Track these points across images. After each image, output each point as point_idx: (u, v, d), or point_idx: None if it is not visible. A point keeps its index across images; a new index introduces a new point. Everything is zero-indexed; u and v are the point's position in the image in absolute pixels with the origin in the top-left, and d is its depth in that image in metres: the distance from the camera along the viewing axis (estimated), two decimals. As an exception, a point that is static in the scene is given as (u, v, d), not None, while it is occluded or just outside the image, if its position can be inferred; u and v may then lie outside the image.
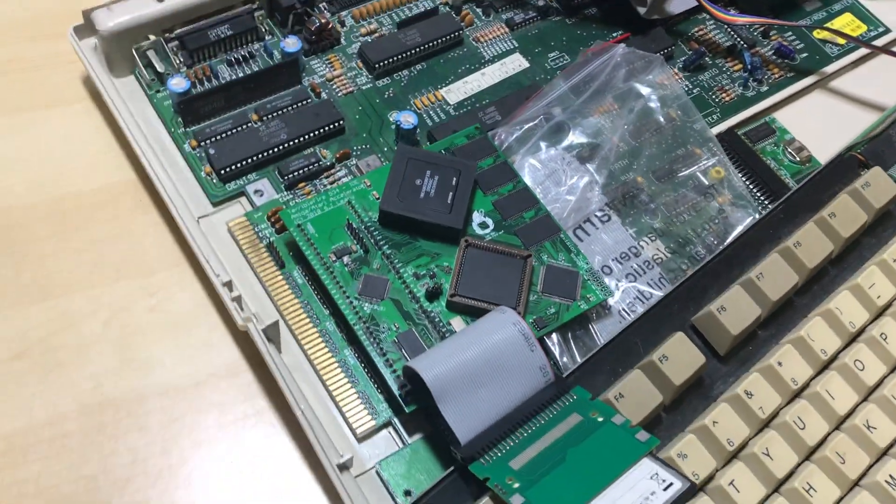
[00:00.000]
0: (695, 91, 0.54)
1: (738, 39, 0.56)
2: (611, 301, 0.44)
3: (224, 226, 0.45)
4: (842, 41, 0.57)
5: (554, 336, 0.42)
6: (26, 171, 0.46)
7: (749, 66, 0.54)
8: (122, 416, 0.40)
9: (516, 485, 0.34)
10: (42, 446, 0.39)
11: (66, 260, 0.44)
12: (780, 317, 0.43)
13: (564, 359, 0.42)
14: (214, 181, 0.46)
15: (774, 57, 0.56)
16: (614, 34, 0.55)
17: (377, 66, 0.50)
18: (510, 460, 0.35)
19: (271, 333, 0.40)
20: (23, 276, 0.43)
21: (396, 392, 0.39)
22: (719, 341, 0.41)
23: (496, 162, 0.46)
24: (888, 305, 0.43)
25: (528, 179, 0.47)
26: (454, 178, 0.44)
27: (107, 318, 0.43)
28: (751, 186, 0.50)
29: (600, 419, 0.36)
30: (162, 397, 0.41)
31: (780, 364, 0.40)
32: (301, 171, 0.47)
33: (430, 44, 0.52)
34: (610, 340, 0.41)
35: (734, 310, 0.41)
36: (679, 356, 0.39)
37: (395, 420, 0.40)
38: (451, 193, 0.43)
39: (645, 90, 0.50)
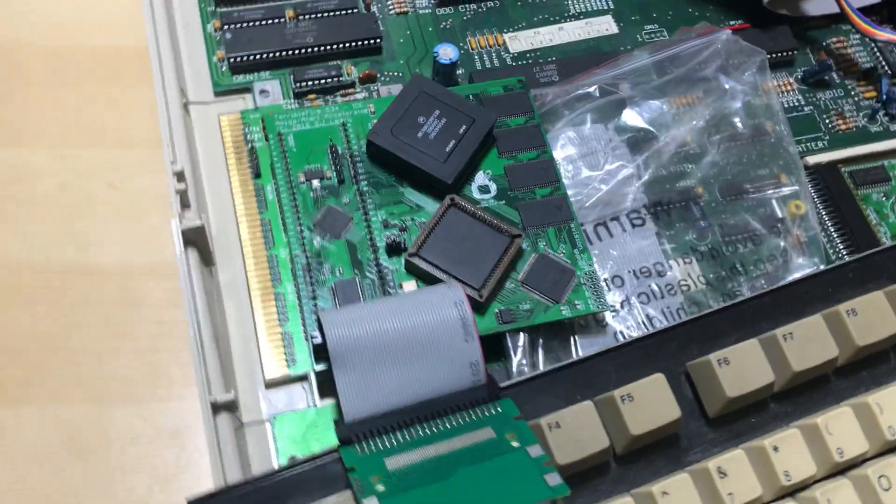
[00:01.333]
0: (807, 109, 0.45)
1: (883, 62, 0.46)
2: (609, 318, 0.37)
3: (216, 118, 0.41)
4: None
5: (521, 336, 0.35)
6: (42, 7, 0.44)
7: (885, 96, 0.44)
8: (38, 285, 0.37)
9: (380, 487, 0.28)
10: (-52, 290, 0.37)
11: (47, 112, 0.41)
12: (806, 394, 0.34)
13: (524, 363, 0.35)
14: (223, 69, 0.42)
15: (922, 93, 0.45)
16: (732, 22, 0.47)
17: (443, -10, 0.44)
18: (388, 457, 0.29)
19: (197, 240, 0.35)
20: (-2, 114, 0.41)
21: (308, 342, 0.34)
22: (711, 400, 0.33)
23: (527, 123, 0.39)
24: (951, 420, 0.34)
25: (558, 152, 0.40)
26: (463, 126, 0.37)
27: (64, 181, 0.40)
28: (833, 233, 0.41)
29: (515, 443, 0.30)
30: (84, 278, 0.37)
31: (775, 449, 0.32)
32: (317, 83, 0.42)
33: (512, -19, 0.45)
34: (579, 361, 0.33)
35: (740, 367, 0.32)
36: (648, 401, 0.31)
37: (313, 376, 0.35)
38: (452, 141, 0.37)
39: (734, 89, 0.41)
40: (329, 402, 0.35)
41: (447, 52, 0.41)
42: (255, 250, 0.37)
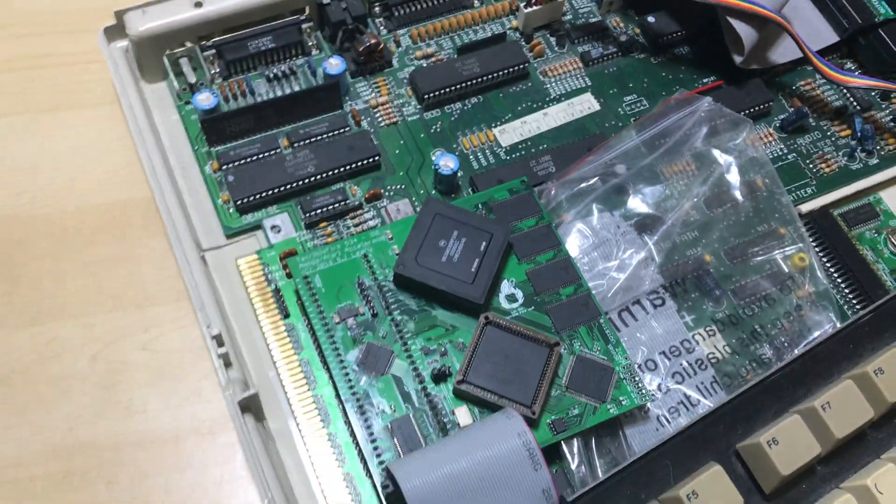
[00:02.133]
0: (790, 157, 0.47)
1: (851, 100, 0.48)
2: (650, 405, 0.38)
3: (233, 261, 0.41)
4: (979, 111, 0.48)
5: (575, 443, 0.37)
6: (37, 179, 0.44)
7: (858, 134, 0.47)
8: (91, 466, 0.37)
9: None
10: (4, 488, 0.37)
11: (63, 283, 0.41)
12: (847, 453, 0.36)
13: (582, 469, 0.36)
14: (231, 211, 0.42)
15: (892, 124, 0.48)
16: (705, 80, 0.48)
17: (427, 96, 0.45)
18: None
19: (251, 404, 0.36)
20: (15, 295, 0.41)
21: (380, 488, 0.34)
22: (766, 478, 0.35)
23: (538, 224, 0.41)
24: None
25: (573, 248, 0.41)
26: (483, 243, 0.38)
27: (95, 352, 0.40)
28: (839, 281, 0.43)
29: (602, 566, 0.31)
30: (137, 448, 0.38)
31: (836, 518, 0.33)
32: (325, 210, 0.42)
33: (491, 76, 0.46)
34: (635, 460, 0.35)
35: (788, 445, 0.34)
36: (712, 495, 0.33)
37: (381, 512, 0.36)
38: (477, 260, 0.38)
39: (724, 158, 0.43)
40: (402, 537, 0.35)
41: (448, 163, 0.42)
42: (298, 393, 0.38)
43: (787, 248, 0.43)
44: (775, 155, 0.47)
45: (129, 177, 0.44)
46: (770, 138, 0.47)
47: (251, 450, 0.34)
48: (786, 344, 0.41)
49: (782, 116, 0.48)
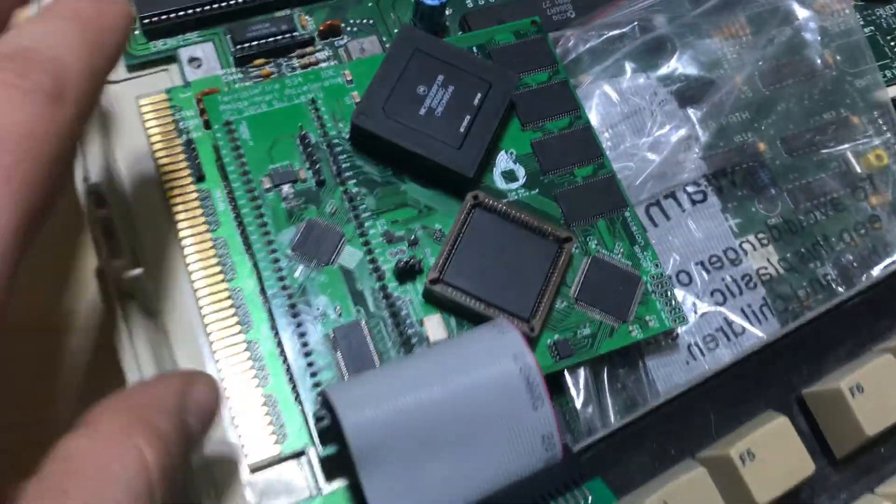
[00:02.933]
0: (867, 31, 0.36)
1: (950, -36, 0.38)
2: (680, 329, 0.29)
3: (134, 101, 0.30)
4: None
5: (581, 373, 0.27)
6: None
7: (956, 8, 0.37)
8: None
9: None
10: None
11: None
12: (941, 409, 0.27)
13: (589, 410, 0.27)
14: (136, 34, 0.31)
15: None
16: (769, -78, 0.38)
17: None
18: None
19: (135, 290, 0.25)
20: None
21: (311, 419, 0.25)
22: (841, 438, 0.26)
23: (551, 80, 0.30)
24: None
25: (594, 116, 0.31)
26: (478, 95, 0.28)
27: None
28: (925, 188, 0.34)
29: (623, 550, 0.22)
30: None
31: (929, 497, 0.25)
32: (264, 42, 0.31)
33: None
34: (664, 402, 0.26)
35: (879, 394, 0.25)
36: (776, 457, 0.24)
37: (311, 452, 0.26)
38: (467, 118, 0.28)
39: (802, 12, 0.33)
40: (339, 485, 0.26)
41: (434, -10, 0.31)
42: (210, 284, 0.27)
43: (861, 142, 0.33)
44: (847, 27, 0.36)
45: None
46: (842, 4, 0.37)
47: (127, 351, 0.24)
48: (855, 264, 0.31)
49: (862, -23, 0.37)
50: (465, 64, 0.28)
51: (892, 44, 0.36)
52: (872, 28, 0.37)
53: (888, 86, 0.35)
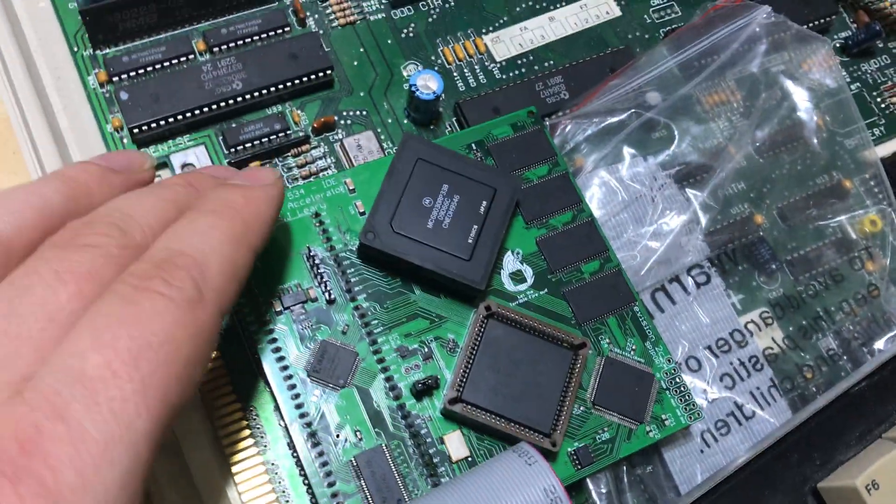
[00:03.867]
0: (853, 87, 0.37)
1: (929, 16, 0.38)
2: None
3: (129, 214, 0.29)
4: None
5: (603, 479, 0.27)
6: None
7: (939, 60, 0.37)
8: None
9: None
10: None
11: None
12: (949, 487, 0.28)
13: (611, 513, 0.27)
14: (125, 141, 0.30)
15: (974, 49, 0.38)
16: (751, -18, 0.38)
17: (397, -13, 0.34)
18: None
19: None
20: None
21: (343, 556, 0.25)
22: (859, 532, 0.26)
23: (552, 173, 0.30)
24: None
25: (595, 206, 0.31)
26: (484, 203, 0.28)
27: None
28: (920, 252, 0.34)
29: None
30: None
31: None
32: (258, 143, 0.31)
33: (482, -37, 0.35)
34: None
35: (893, 489, 0.26)
36: (798, 563, 0.24)
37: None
38: (475, 227, 0.27)
39: (792, 84, 0.33)
40: None
41: (428, 83, 0.31)
42: (223, 410, 0.27)
43: (856, 209, 0.34)
44: (835, 85, 0.37)
45: (-24, 87, 0.31)
46: (828, 62, 0.37)
47: None
48: (855, 335, 0.32)
49: (845, 35, 0.38)
50: (468, 171, 0.28)
51: (879, 100, 0.37)
52: (859, 84, 0.37)
53: (877, 144, 0.36)
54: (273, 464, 0.26)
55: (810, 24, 0.36)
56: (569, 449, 0.27)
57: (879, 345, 0.31)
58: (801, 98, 0.34)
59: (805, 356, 0.31)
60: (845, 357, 0.31)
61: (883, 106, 0.37)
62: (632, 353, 0.28)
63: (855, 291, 0.33)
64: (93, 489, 0.16)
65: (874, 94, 0.37)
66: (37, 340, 0.18)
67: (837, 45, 0.38)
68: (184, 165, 0.30)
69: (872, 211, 0.34)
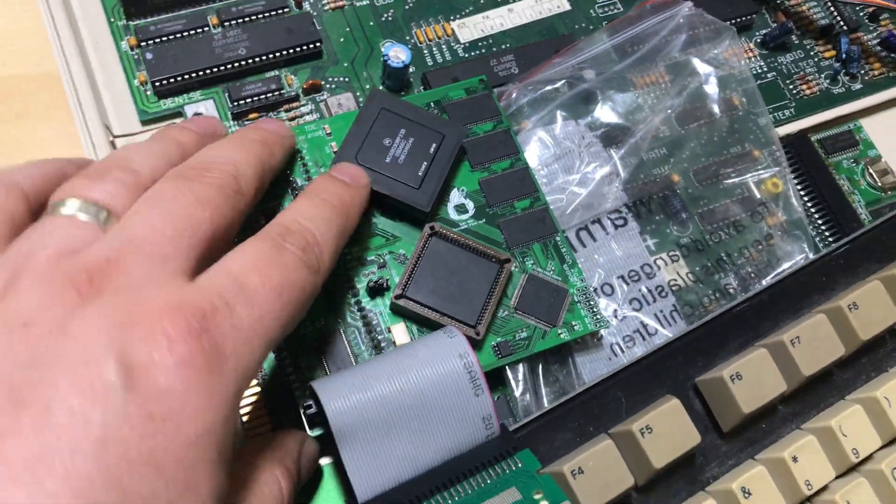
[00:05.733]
0: (769, 76, 0.43)
1: (839, 19, 0.45)
2: (603, 330, 0.35)
3: (149, 151, 0.36)
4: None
5: (520, 368, 0.33)
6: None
7: (843, 55, 0.43)
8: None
9: (411, 575, 0.26)
10: None
11: (-51, 163, 0.36)
12: (811, 391, 0.34)
13: (526, 398, 0.33)
14: (148, 94, 0.37)
15: (879, 48, 0.44)
16: (685, -15, 0.44)
17: (379, -21, 0.40)
18: (413, 538, 0.27)
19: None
20: None
21: (301, 408, 0.31)
22: (725, 415, 0.32)
23: (496, 129, 0.37)
24: (955, 403, 0.34)
25: (532, 158, 0.37)
26: (433, 145, 0.34)
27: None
28: (812, 211, 0.40)
29: (544, 503, 0.28)
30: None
31: (794, 459, 0.31)
32: (256, 99, 0.38)
33: (452, -39, 0.41)
34: (584, 390, 0.32)
35: (753, 380, 0.31)
36: (668, 430, 0.30)
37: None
38: (425, 163, 0.34)
39: (704, 68, 0.40)
40: (324, 461, 0.32)
41: (398, 55, 0.38)
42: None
43: (761, 172, 0.40)
44: (754, 72, 0.43)
45: (32, 48, 0.39)
46: (750, 54, 0.43)
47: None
48: (752, 275, 0.38)
49: (765, 31, 0.44)
50: (423, 120, 0.35)
51: (791, 87, 0.43)
52: (774, 73, 0.43)
53: (785, 124, 0.42)
54: (254, 347, 0.33)
55: (733, 21, 0.43)
56: (493, 342, 0.33)
57: (766, 282, 0.37)
58: (713, 80, 0.40)
59: (706, 289, 0.37)
60: (742, 293, 0.37)
61: (795, 92, 0.43)
62: (551, 272, 0.34)
63: (755, 240, 0.38)
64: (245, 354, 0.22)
65: (787, 82, 0.43)
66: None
67: (758, 39, 0.44)
68: (195, 114, 0.37)
69: (776, 175, 0.40)
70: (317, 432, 0.31)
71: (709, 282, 0.37)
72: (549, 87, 0.38)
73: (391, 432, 0.28)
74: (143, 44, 0.38)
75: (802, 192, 0.40)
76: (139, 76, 0.37)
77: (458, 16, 0.42)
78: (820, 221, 0.40)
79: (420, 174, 0.34)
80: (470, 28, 0.41)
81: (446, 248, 0.33)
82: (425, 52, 0.40)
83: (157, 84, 0.37)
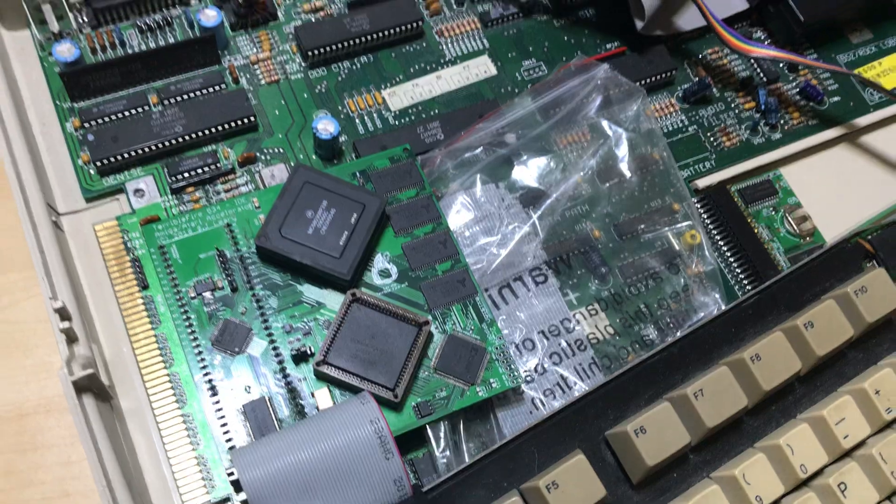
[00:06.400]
0: (690, 129, 0.45)
1: (758, 71, 0.47)
2: (524, 386, 0.37)
3: (91, 227, 0.38)
4: (888, 85, 0.47)
5: (441, 426, 0.35)
6: None
7: (763, 106, 0.45)
8: (-75, 443, 0.35)
9: None
10: None
11: None
12: (721, 439, 0.35)
13: (447, 454, 0.35)
14: (91, 172, 0.40)
15: (798, 97, 0.46)
16: (609, 46, 0.46)
17: (312, 52, 0.43)
18: None
19: (92, 384, 0.33)
20: None
21: (227, 473, 0.33)
22: (633, 468, 0.33)
23: (419, 195, 0.39)
24: (856, 447, 0.35)
25: (455, 221, 0.39)
26: (354, 215, 0.36)
27: (-66, 321, 0.37)
28: (731, 260, 0.42)
29: (450, 561, 0.30)
30: (-25, 426, 0.35)
31: (701, 509, 0.32)
32: (194, 173, 0.40)
33: (382, 33, 0.44)
34: (500, 446, 0.33)
35: (657, 434, 0.33)
36: (573, 485, 0.32)
37: (235, 498, 0.34)
38: (346, 233, 0.36)
39: (615, 129, 0.41)
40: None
41: (327, 127, 0.40)
42: (153, 371, 0.36)
43: (680, 225, 0.41)
44: (676, 126, 0.45)
45: (-19, 132, 0.41)
46: (672, 109, 0.45)
47: (85, 433, 0.32)
48: (671, 325, 0.39)
49: (685, 86, 0.46)
50: (344, 191, 0.37)
51: (712, 139, 0.45)
52: (696, 126, 0.45)
53: (706, 175, 0.44)
54: (187, 414, 0.35)
55: (655, 78, 0.45)
56: (413, 403, 0.35)
57: (680, 333, 0.38)
58: (623, 140, 0.42)
59: (626, 341, 0.39)
60: (661, 343, 0.39)
61: (716, 144, 0.45)
62: (470, 331, 0.36)
63: (673, 291, 0.40)
64: None
65: (708, 134, 0.45)
66: None
67: (679, 94, 0.46)
68: (136, 191, 0.39)
69: (694, 226, 0.41)
70: (241, 497, 0.32)
71: (628, 333, 0.39)
72: (470, 154, 0.40)
73: (305, 498, 0.30)
74: (86, 125, 0.40)
75: (721, 243, 0.42)
76: (83, 156, 0.40)
77: (388, 85, 0.44)
78: (738, 270, 0.42)
79: (341, 243, 0.36)
80: (400, 96, 0.43)
81: (367, 313, 0.35)
82: (356, 120, 0.43)
83: (99, 163, 0.39)
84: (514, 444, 0.34)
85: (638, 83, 0.43)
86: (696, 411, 0.34)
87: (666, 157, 0.43)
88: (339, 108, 0.43)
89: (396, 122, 0.43)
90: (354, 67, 0.44)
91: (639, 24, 0.44)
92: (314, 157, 0.41)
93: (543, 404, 0.37)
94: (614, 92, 0.42)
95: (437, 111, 0.43)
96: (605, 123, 0.41)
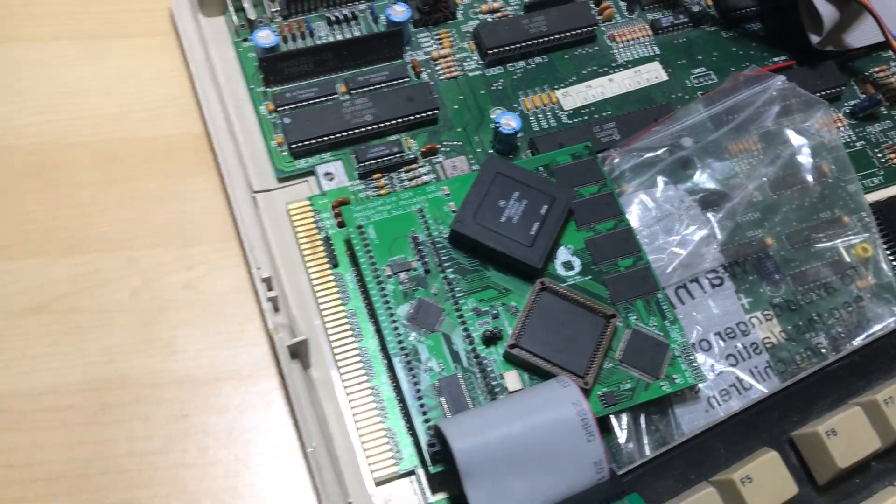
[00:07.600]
0: (858, 144, 0.45)
1: (927, 90, 0.47)
2: (701, 385, 0.37)
3: (284, 206, 0.40)
4: None
5: (624, 417, 0.36)
6: (85, 105, 0.43)
7: (932, 126, 0.45)
8: (128, 400, 0.37)
9: None
10: (40, 415, 0.36)
11: (107, 213, 0.40)
12: (904, 450, 0.35)
13: (630, 445, 0.35)
14: (284, 154, 0.41)
15: (967, 118, 0.46)
16: (776, 59, 0.47)
17: (490, 51, 0.44)
18: (531, 571, 0.29)
19: (299, 350, 0.35)
20: (58, 221, 0.40)
21: (424, 446, 0.34)
22: (821, 469, 0.34)
23: (600, 192, 0.39)
24: None
25: (634, 219, 0.40)
26: (544, 206, 0.37)
27: (137, 287, 0.39)
28: (902, 275, 0.42)
29: (652, 544, 0.30)
30: (175, 387, 0.37)
31: (890, 515, 0.32)
32: (380, 161, 0.41)
33: (557, 35, 0.45)
34: (687, 439, 0.34)
35: (847, 436, 0.33)
36: (767, 481, 0.32)
37: (420, 472, 0.35)
38: (536, 224, 0.37)
39: (797, 138, 0.42)
40: (440, 496, 0.35)
41: (510, 122, 0.41)
42: (342, 345, 0.37)
43: (851, 238, 0.42)
44: (843, 141, 0.45)
45: (180, 111, 0.43)
46: (839, 124, 0.46)
47: (297, 397, 0.33)
48: (842, 335, 0.39)
49: (853, 102, 0.46)
50: (534, 183, 0.38)
51: (880, 155, 0.45)
52: (863, 142, 0.45)
53: (874, 191, 0.44)
54: (375, 387, 0.36)
55: (823, 93, 0.45)
56: (599, 392, 0.35)
57: (857, 342, 0.39)
58: (806, 149, 0.42)
59: (798, 347, 0.39)
60: (833, 352, 0.39)
61: (883, 160, 0.45)
62: (653, 327, 0.37)
63: (845, 301, 0.40)
64: None
65: (876, 150, 0.45)
66: None
67: (847, 110, 0.46)
68: (326, 174, 0.41)
69: (865, 240, 0.41)
70: (436, 469, 0.33)
71: (800, 340, 0.39)
72: (649, 155, 0.41)
73: (510, 471, 0.31)
74: (279, 108, 0.42)
75: (892, 257, 0.42)
76: (276, 138, 0.41)
77: (562, 85, 0.45)
78: (910, 285, 0.41)
79: (532, 233, 0.37)
80: (573, 96, 0.45)
81: (556, 302, 0.36)
82: (531, 118, 0.44)
83: (293, 146, 0.41)
84: (700, 439, 0.34)
85: (810, 96, 0.43)
86: (886, 418, 0.34)
87: (835, 170, 0.43)
88: (515, 105, 0.44)
89: (570, 121, 0.44)
90: (529, 67, 0.45)
91: (815, 39, 0.45)
92: (491, 151, 0.42)
93: (719, 403, 0.37)
94: (793, 102, 0.42)
95: (609, 112, 0.44)
96: (787, 132, 0.42)
